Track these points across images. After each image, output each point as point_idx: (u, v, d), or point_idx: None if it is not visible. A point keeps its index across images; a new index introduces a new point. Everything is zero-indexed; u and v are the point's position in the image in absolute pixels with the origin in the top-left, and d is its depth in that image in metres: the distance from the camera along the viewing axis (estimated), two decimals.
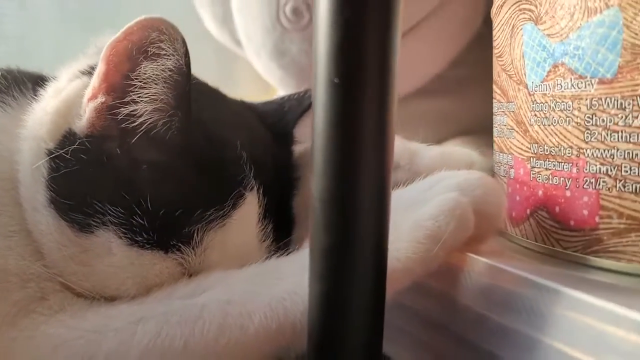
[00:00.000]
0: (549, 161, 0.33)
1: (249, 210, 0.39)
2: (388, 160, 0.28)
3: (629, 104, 0.29)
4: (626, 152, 0.29)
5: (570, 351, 0.26)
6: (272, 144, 0.44)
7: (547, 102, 0.33)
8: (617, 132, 0.29)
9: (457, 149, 0.44)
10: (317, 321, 0.30)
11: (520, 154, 0.35)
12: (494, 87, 0.40)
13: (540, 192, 0.34)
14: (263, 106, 0.48)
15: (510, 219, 0.37)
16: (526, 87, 0.35)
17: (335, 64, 0.26)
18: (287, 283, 0.33)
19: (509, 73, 0.37)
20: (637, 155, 0.29)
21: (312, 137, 0.28)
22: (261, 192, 0.40)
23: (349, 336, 0.30)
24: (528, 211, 0.35)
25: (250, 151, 0.40)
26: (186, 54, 0.33)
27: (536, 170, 0.34)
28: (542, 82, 0.33)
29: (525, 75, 0.35)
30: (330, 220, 0.28)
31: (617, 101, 0.29)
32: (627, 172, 0.29)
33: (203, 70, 0.44)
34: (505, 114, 0.37)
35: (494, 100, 0.40)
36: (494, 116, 0.40)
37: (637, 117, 0.28)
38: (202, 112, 0.39)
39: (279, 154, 0.45)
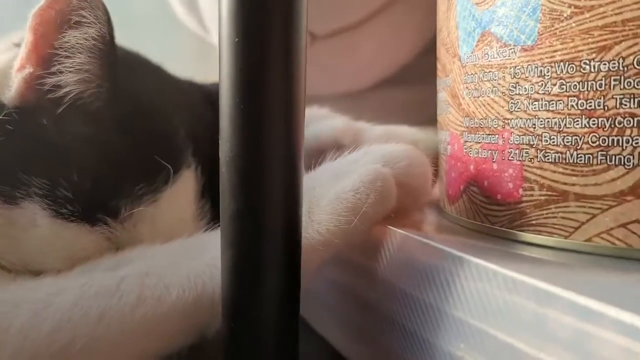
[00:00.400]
0: (478, 134, 0.32)
1: (185, 187, 0.38)
2: (297, 123, 0.27)
3: (547, 72, 0.28)
4: (546, 120, 0.28)
5: (478, 323, 0.25)
6: (214, 122, 0.44)
7: (477, 73, 0.32)
8: (538, 100, 0.28)
9: (403, 127, 0.43)
10: (229, 288, 0.29)
11: (455, 129, 0.35)
12: (437, 64, 0.39)
13: (471, 167, 0.33)
14: (212, 86, 0.48)
15: (447, 197, 0.36)
16: (460, 59, 0.34)
17: (237, 23, 0.26)
18: (208, 257, 0.32)
19: (446, 47, 0.36)
20: (556, 124, 0.28)
21: (219, 101, 0.28)
22: (199, 170, 0.40)
23: (262, 303, 0.29)
24: (461, 187, 0.34)
25: (191, 129, 0.40)
26: (109, 22, 0.33)
27: (468, 144, 0.33)
28: (472, 52, 0.32)
29: (458, 47, 0.34)
30: (236, 184, 0.27)
31: (538, 69, 0.28)
32: (547, 141, 0.28)
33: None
34: (443, 89, 0.36)
35: (437, 78, 0.39)
36: (437, 95, 0.39)
37: (555, 85, 0.27)
38: (137, 86, 0.38)
39: None
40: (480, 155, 0.32)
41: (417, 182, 0.32)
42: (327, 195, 0.31)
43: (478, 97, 0.32)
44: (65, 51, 0.34)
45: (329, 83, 0.66)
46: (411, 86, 0.67)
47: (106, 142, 0.35)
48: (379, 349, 0.32)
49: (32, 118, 0.35)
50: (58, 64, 0.34)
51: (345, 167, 0.33)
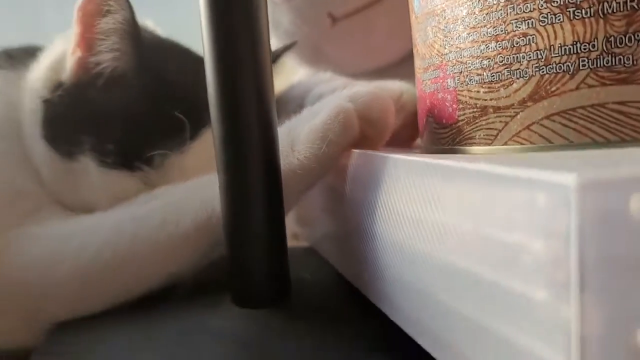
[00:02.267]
0: (428, 72, 0.38)
1: (205, 141, 0.47)
2: (263, 61, 0.35)
3: (465, 10, 0.34)
4: (469, 50, 0.34)
5: (414, 211, 0.31)
6: None
7: (424, 21, 0.38)
8: (461, 34, 0.34)
9: (391, 81, 0.49)
10: (226, 208, 0.37)
11: (417, 72, 0.41)
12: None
13: (427, 101, 0.39)
14: None
15: (420, 132, 0.42)
16: (414, 12, 0.40)
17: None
18: (215, 188, 0.40)
19: (410, 6, 0.42)
20: (475, 51, 0.33)
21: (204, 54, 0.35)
22: None
23: (251, 218, 0.36)
24: (424, 120, 0.40)
25: None
26: (130, 8, 0.42)
27: (424, 82, 0.39)
28: (419, 4, 0.39)
29: (413, 2, 0.40)
30: (222, 123, 0.35)
31: (458, 9, 0.34)
32: (470, 67, 0.34)
33: None
34: (413, 43, 0.43)
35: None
36: None
37: (472, 19, 0.33)
38: (164, 62, 0.47)
39: None
40: (430, 89, 0.38)
41: (377, 114, 0.39)
42: (304, 130, 0.38)
43: (425, 40, 0.38)
44: (102, 35, 0.43)
45: (352, 62, 0.72)
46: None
47: (138, 105, 0.45)
48: (358, 258, 0.39)
49: (82, 91, 0.45)
50: (98, 46, 0.44)
51: (319, 107, 0.40)
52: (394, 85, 0.48)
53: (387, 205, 0.33)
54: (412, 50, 0.42)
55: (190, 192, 0.41)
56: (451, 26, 0.35)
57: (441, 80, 0.37)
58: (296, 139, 0.39)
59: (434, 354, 0.27)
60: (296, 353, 0.33)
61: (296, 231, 0.57)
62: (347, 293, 0.40)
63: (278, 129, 0.37)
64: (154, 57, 0.46)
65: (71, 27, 0.52)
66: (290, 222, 0.52)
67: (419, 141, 0.44)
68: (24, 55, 0.51)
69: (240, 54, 0.34)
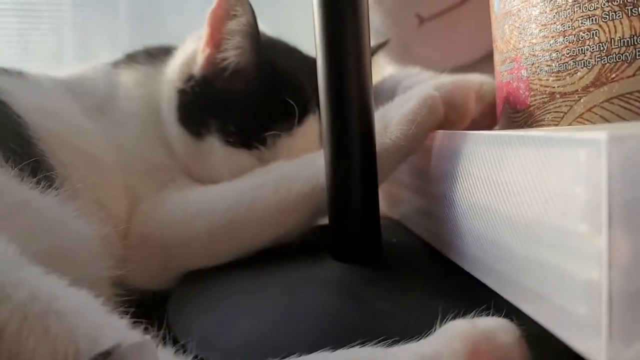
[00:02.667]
0: (505, 64, 0.44)
1: (311, 127, 0.55)
2: (365, 59, 0.42)
3: (538, 10, 0.39)
4: (540, 44, 0.40)
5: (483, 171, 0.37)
6: None
7: (502, 20, 0.44)
8: (534, 31, 0.40)
9: (472, 75, 0.55)
10: (330, 180, 0.44)
11: (496, 65, 0.47)
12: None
13: (504, 90, 0.45)
14: None
15: (497, 120, 0.48)
16: (494, 12, 0.46)
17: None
18: (321, 162, 0.48)
19: (491, 7, 0.48)
20: (545, 45, 0.39)
21: (316, 53, 0.43)
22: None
23: (350, 188, 0.44)
24: (501, 107, 0.46)
25: (315, 87, 0.56)
26: (252, 12, 0.50)
27: (502, 74, 0.45)
28: (499, 6, 0.44)
29: (494, 4, 0.46)
30: (328, 109, 0.43)
31: (532, 8, 0.40)
32: (541, 59, 0.40)
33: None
34: (493, 40, 0.49)
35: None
36: None
37: (543, 17, 0.39)
38: (278, 59, 0.56)
39: None
40: (507, 79, 0.44)
41: (459, 101, 0.45)
42: (396, 114, 0.45)
43: (503, 37, 0.44)
44: (228, 35, 0.52)
45: (437, 59, 0.78)
46: None
47: (255, 94, 0.53)
48: (439, 223, 0.45)
49: (210, 82, 0.54)
50: (224, 44, 0.53)
51: (409, 95, 0.46)
52: (475, 78, 0.54)
53: (465, 174, 0.39)
54: (492, 49, 0.48)
55: (298, 167, 0.49)
56: (525, 24, 0.41)
57: (516, 71, 0.42)
58: (389, 122, 0.46)
59: (499, 291, 0.33)
60: (386, 297, 0.40)
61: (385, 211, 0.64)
62: (428, 253, 0.46)
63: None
64: (269, 53, 0.55)
65: (190, 30, 0.62)
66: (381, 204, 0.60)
67: (496, 128, 0.50)
68: (160, 53, 0.61)
69: (346, 52, 0.41)
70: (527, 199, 0.30)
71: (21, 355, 0.25)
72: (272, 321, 0.38)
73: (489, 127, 0.55)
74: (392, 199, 0.60)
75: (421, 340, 0.31)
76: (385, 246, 0.46)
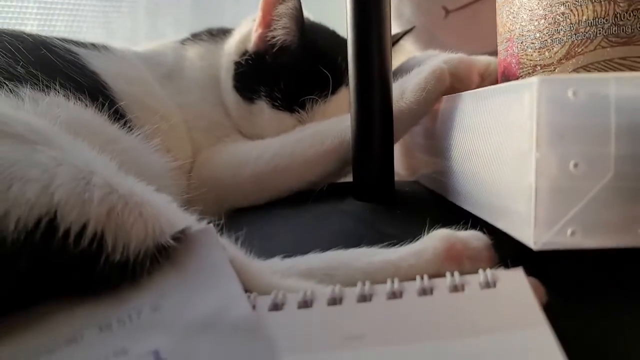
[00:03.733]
0: (503, 44, 0.54)
1: (343, 96, 0.66)
2: (386, 51, 0.52)
3: None
4: (528, 25, 0.49)
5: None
6: None
7: (501, 7, 0.53)
8: (524, 15, 0.49)
9: (483, 56, 0.64)
10: (355, 135, 0.55)
11: (498, 46, 0.56)
12: None
13: (502, 66, 0.55)
14: None
15: None
16: (498, 1, 0.55)
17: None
18: (348, 122, 0.58)
19: None
20: (532, 26, 0.49)
21: (347, 35, 0.53)
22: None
23: (371, 142, 0.54)
24: (499, 80, 0.56)
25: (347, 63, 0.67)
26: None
27: (500, 52, 0.55)
28: None
29: None
30: (356, 80, 0.53)
31: None
32: (527, 38, 0.49)
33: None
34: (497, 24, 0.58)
35: None
36: None
37: (533, 3, 0.48)
38: (319, 39, 0.67)
39: None
40: (504, 56, 0.54)
41: (462, 72, 0.55)
42: (411, 83, 0.55)
43: (502, 21, 0.53)
44: (277, 17, 0.63)
45: (460, 47, 0.87)
46: None
47: (298, 66, 0.64)
48: (442, 171, 0.55)
49: (261, 56, 0.65)
50: (274, 25, 0.64)
51: (423, 68, 0.56)
52: (484, 58, 0.63)
53: (457, 126, 0.49)
54: None
55: (329, 125, 0.60)
56: (517, 10, 0.50)
57: (510, 49, 0.52)
58: (405, 90, 0.56)
59: (475, 212, 0.43)
60: (393, 225, 0.50)
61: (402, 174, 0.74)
62: (433, 197, 0.56)
63: (393, 84, 0.54)
64: (311, 34, 0.65)
65: (244, 16, 0.73)
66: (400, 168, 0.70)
67: None
68: (220, 33, 0.73)
69: (371, 35, 0.52)
70: (496, 136, 0.40)
71: (123, 227, 0.36)
72: (302, 233, 0.49)
73: None
74: (408, 163, 0.70)
75: (412, 243, 0.42)
76: (399, 193, 0.57)
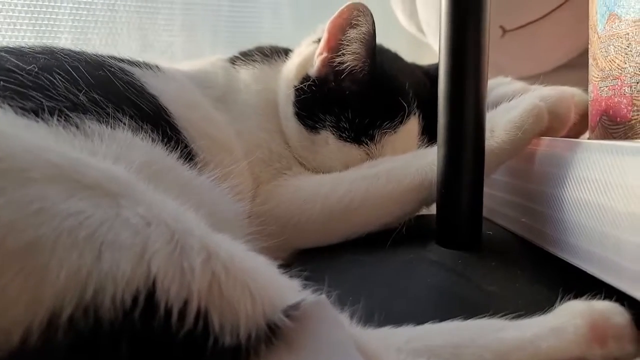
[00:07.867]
0: (607, 81, 0.49)
1: (412, 126, 0.61)
2: (482, 84, 0.47)
3: None
4: None
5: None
6: (430, 89, 0.66)
7: (606, 41, 0.49)
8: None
9: (564, 87, 0.60)
10: (442, 174, 0.50)
11: (594, 80, 0.52)
12: (589, 41, 0.56)
13: (603, 104, 0.50)
14: (427, 66, 0.70)
15: (590, 128, 0.53)
16: (597, 33, 0.51)
17: (448, 29, 0.47)
18: (429, 159, 0.54)
19: (591, 27, 0.53)
20: None
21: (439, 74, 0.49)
22: (420, 117, 0.62)
23: (460, 181, 0.49)
24: (597, 119, 0.51)
25: (415, 91, 0.62)
26: (373, 24, 0.56)
27: (601, 89, 0.50)
28: (604, 27, 0.50)
29: (597, 24, 0.51)
30: (446, 117, 0.48)
31: None
32: None
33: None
34: (590, 57, 0.54)
35: (589, 50, 0.56)
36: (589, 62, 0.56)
37: None
38: (386, 65, 0.62)
39: (435, 95, 0.66)
40: (607, 94, 0.49)
41: (562, 111, 0.50)
42: (503, 120, 0.51)
43: (607, 56, 0.49)
44: (347, 42, 0.58)
45: (517, 67, 0.83)
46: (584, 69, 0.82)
47: (367, 95, 0.59)
48: (540, 218, 0.50)
49: (325, 83, 0.60)
50: (342, 50, 0.59)
51: (514, 104, 0.52)
52: (569, 90, 0.59)
53: (573, 176, 0.44)
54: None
55: (407, 162, 0.55)
56: (632, 46, 0.46)
57: (619, 88, 0.48)
58: (495, 126, 0.51)
59: (601, 276, 0.39)
60: (491, 280, 0.46)
61: None
62: (523, 244, 0.52)
63: None
64: (379, 59, 0.61)
65: (313, 33, 0.68)
66: None
67: (583, 135, 0.56)
68: (273, 53, 0.68)
69: (467, 62, 0.47)
70: (616, 193, 0.35)
71: (229, 302, 0.31)
72: (392, 288, 0.45)
73: (577, 135, 0.60)
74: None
75: (543, 316, 0.37)
76: (483, 237, 0.52)
